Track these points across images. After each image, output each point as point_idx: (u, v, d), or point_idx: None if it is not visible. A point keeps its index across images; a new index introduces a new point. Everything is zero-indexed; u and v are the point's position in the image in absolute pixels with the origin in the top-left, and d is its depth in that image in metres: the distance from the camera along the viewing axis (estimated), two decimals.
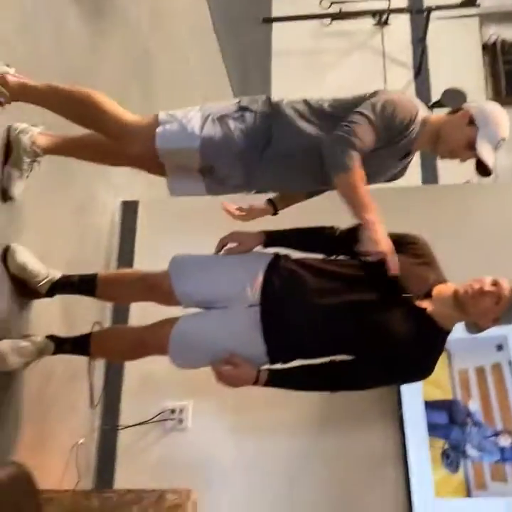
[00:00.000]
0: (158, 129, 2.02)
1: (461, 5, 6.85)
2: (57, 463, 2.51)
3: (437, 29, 7.18)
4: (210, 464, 2.71)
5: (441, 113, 2.09)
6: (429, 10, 6.82)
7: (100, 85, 2.86)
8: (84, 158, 2.42)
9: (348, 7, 7.34)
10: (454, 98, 6.72)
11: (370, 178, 1.96)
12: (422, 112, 2.01)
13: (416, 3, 7.45)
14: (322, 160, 1.96)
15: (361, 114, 1.92)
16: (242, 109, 2.05)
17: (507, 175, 7.59)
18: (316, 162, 1.99)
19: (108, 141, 2.19)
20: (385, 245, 1.84)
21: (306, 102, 2.06)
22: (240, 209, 2.26)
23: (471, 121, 1.96)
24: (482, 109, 2.00)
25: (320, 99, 2.06)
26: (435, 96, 7.04)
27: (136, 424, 2.77)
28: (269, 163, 2.03)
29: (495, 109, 2.02)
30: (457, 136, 1.98)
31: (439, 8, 6.85)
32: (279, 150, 2.01)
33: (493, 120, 1.97)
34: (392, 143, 1.97)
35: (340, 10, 7.26)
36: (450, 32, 7.54)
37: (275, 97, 2.11)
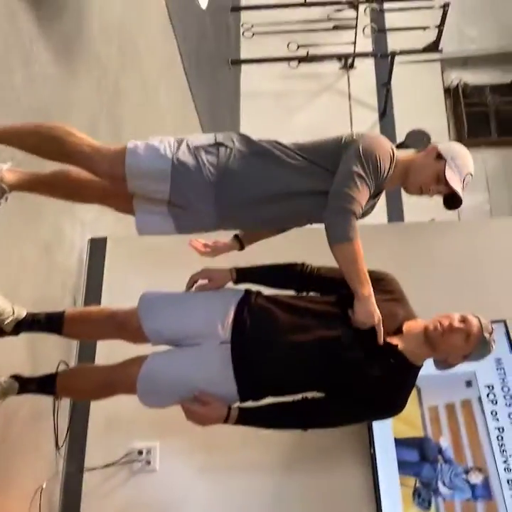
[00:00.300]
0: (129, 146, 2.01)
1: (424, 50, 7.09)
2: (20, 507, 2.42)
3: (401, 73, 7.40)
4: (180, 506, 2.64)
5: (407, 152, 2.14)
6: (393, 54, 7.03)
7: (70, 121, 2.87)
8: (52, 196, 2.39)
9: (314, 50, 7.53)
10: (418, 139, 6.91)
11: None
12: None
13: (380, 48, 7.69)
14: (301, 207, 2.01)
15: (355, 174, 1.91)
16: (218, 144, 2.05)
17: (469, 213, 7.78)
18: (294, 206, 2.02)
19: (75, 178, 2.18)
20: (377, 318, 1.89)
21: (280, 144, 2.06)
22: (205, 245, 2.25)
23: (439, 156, 2.01)
24: (449, 145, 2.06)
25: (295, 143, 2.06)
26: (399, 137, 7.23)
27: (102, 466, 2.69)
28: (245, 204, 2.02)
29: (461, 147, 2.08)
30: (426, 171, 2.02)
31: (402, 52, 7.07)
32: (255, 192, 2.00)
33: (460, 155, 2.03)
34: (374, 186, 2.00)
35: (307, 53, 7.44)
36: (414, 76, 7.78)
37: (248, 135, 2.10)
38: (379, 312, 1.90)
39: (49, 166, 2.17)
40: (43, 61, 2.68)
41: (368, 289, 1.90)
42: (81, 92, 3.13)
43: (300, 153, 2.03)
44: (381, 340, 1.90)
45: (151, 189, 2.05)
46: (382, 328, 1.90)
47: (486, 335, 1.88)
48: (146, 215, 2.14)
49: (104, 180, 2.12)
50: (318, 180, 1.99)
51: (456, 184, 1.97)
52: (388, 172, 1.98)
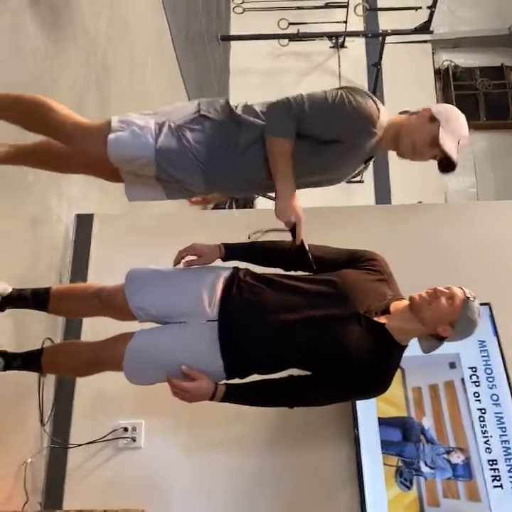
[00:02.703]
0: (110, 136, 1.96)
1: (416, 31, 7.03)
2: (5, 482, 2.42)
3: (392, 53, 7.35)
4: (164, 483, 2.66)
5: (400, 115, 2.08)
6: (385, 34, 6.97)
7: (57, 95, 2.84)
8: (38, 166, 2.37)
9: (305, 28, 7.46)
10: None
11: (326, 170, 2.03)
12: (385, 113, 2.01)
13: (372, 27, 7.63)
14: None
15: (320, 93, 1.95)
16: (202, 117, 2.02)
17: (456, 196, 7.81)
18: None
19: (60, 146, 2.15)
20: (295, 215, 1.91)
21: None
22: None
23: (433, 118, 1.98)
24: (443, 107, 2.03)
25: None
26: None
27: (87, 443, 2.70)
28: (233, 173, 2.01)
29: (455, 109, 2.03)
30: (419, 133, 1.98)
31: (394, 33, 7.00)
32: (242, 160, 2.00)
33: (453, 117, 1.99)
34: (352, 139, 1.97)
35: (298, 31, 7.36)
36: (404, 57, 7.74)
37: (234, 102, 2.09)
38: (301, 213, 1.91)
39: (32, 140, 2.14)
40: (30, 32, 2.63)
41: (290, 188, 1.92)
42: (68, 65, 3.08)
43: None
44: (299, 241, 1.92)
45: (138, 171, 2.04)
46: (301, 230, 1.91)
47: (470, 297, 1.87)
48: (135, 182, 2.11)
49: (87, 158, 2.09)
50: (306, 149, 1.98)
51: (450, 148, 1.94)
52: (367, 125, 1.94)
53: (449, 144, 1.94)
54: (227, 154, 2.00)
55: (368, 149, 2.02)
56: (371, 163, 2.18)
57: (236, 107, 2.06)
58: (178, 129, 1.99)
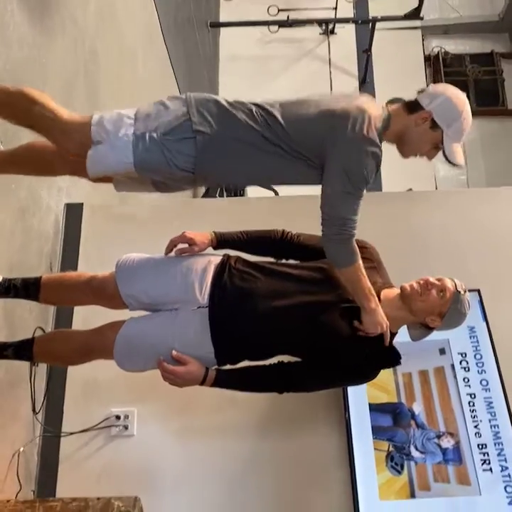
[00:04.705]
0: (89, 152, 1.89)
1: (406, 17, 7.02)
2: None
3: (382, 40, 7.34)
4: (157, 471, 2.67)
5: (397, 108, 1.99)
6: (375, 21, 6.95)
7: (45, 85, 2.81)
8: (21, 172, 2.33)
9: (295, 15, 7.43)
10: None
11: None
12: (378, 113, 1.93)
13: (362, 14, 7.60)
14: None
15: (343, 194, 1.87)
16: (195, 131, 1.89)
17: (446, 183, 7.83)
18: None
19: (42, 152, 2.12)
20: (384, 325, 1.94)
21: (265, 123, 1.92)
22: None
23: (434, 125, 1.91)
24: (443, 108, 1.91)
25: (281, 118, 1.92)
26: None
27: (79, 431, 2.70)
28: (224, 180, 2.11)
29: (456, 101, 1.92)
30: (422, 143, 1.96)
31: (384, 19, 6.99)
32: (235, 178, 2.05)
33: (455, 116, 1.91)
34: None
35: (287, 17, 7.33)
36: (394, 43, 7.73)
37: (228, 103, 1.95)
38: (386, 319, 1.94)
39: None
40: (18, 21, 2.60)
41: (373, 302, 1.93)
42: (56, 54, 3.05)
43: (284, 140, 1.91)
44: (387, 343, 1.96)
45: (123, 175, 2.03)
46: (389, 333, 1.95)
47: (460, 290, 1.92)
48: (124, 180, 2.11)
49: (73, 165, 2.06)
50: (301, 168, 1.95)
51: (455, 157, 1.91)
52: (376, 170, 1.92)
53: (454, 153, 1.91)
54: (220, 170, 1.97)
55: None
56: None
57: (229, 108, 1.94)
58: (161, 141, 1.88)
